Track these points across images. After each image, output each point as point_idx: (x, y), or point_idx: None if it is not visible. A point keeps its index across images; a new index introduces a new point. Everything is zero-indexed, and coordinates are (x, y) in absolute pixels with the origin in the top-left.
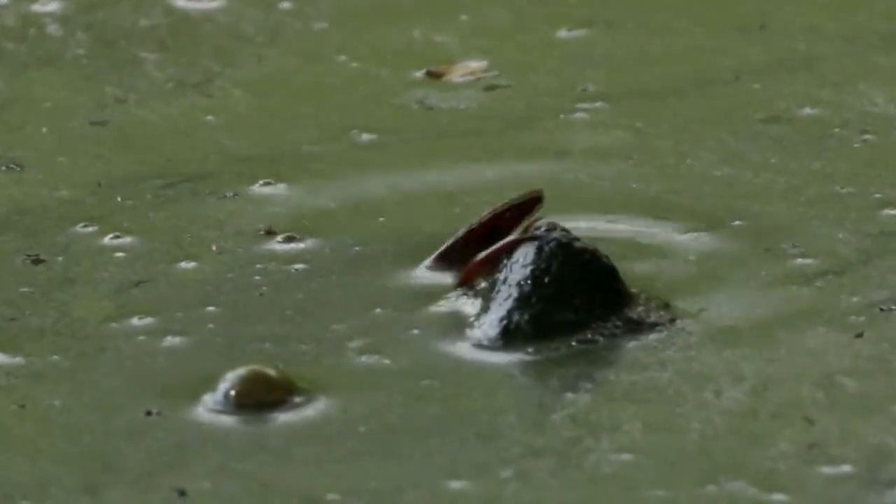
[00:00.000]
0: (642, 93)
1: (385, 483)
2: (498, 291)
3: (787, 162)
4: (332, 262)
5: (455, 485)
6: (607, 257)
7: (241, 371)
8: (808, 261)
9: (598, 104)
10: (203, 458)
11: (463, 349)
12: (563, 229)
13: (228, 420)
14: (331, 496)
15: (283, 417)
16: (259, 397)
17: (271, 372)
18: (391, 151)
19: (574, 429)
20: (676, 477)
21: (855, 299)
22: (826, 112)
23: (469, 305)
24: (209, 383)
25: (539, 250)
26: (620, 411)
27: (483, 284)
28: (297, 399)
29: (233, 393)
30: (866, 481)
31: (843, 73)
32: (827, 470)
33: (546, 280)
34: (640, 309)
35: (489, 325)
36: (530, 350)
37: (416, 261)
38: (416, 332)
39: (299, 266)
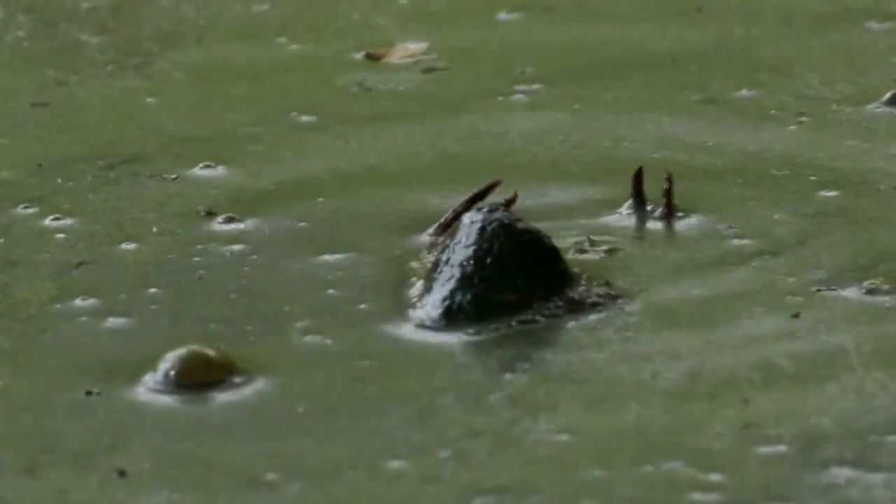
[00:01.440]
0: (580, 75)
1: (324, 463)
2: (440, 272)
3: (724, 143)
4: (273, 243)
5: (394, 464)
6: (549, 238)
7: (180, 351)
8: (745, 242)
9: (536, 86)
10: (143, 439)
11: (406, 330)
12: (506, 210)
13: (169, 400)
14: (270, 475)
15: (222, 397)
16: (199, 377)
17: (211, 352)
18: (330, 133)
19: (512, 409)
20: (613, 457)
21: (791, 280)
22: (762, 94)
23: (413, 286)
24: (150, 364)
25: (481, 231)
26: (558, 391)
27: (427, 264)
28: (237, 379)
29: (173, 373)
30: (802, 461)
31: (780, 56)
32: (763, 450)
33: (488, 261)
34: (582, 289)
35: (432, 306)
36: (471, 330)
37: (356, 241)
38: (358, 312)
39: (240, 247)
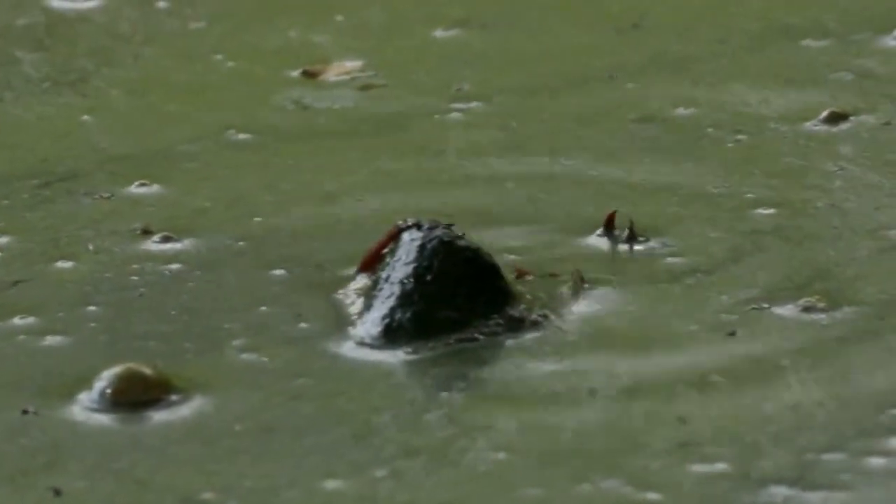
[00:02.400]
0: (517, 92)
1: (260, 482)
2: (380, 289)
3: (661, 161)
4: (210, 261)
5: (330, 484)
6: (489, 255)
7: (117, 369)
8: (682, 260)
9: (473, 104)
10: (79, 457)
11: (345, 347)
12: (446, 227)
13: (105, 419)
14: (206, 495)
15: (159, 416)
16: (135, 396)
17: (147, 370)
18: (267, 151)
19: (449, 428)
20: (551, 476)
21: (728, 298)
22: (699, 112)
23: (353, 303)
24: (87, 382)
25: (421, 248)
26: (495, 410)
27: (367, 281)
28: (174, 397)
29: (109, 391)
30: (739, 479)
31: (717, 74)
32: (700, 468)
33: (428, 278)
34: (523, 307)
35: (371, 324)
36: (409, 349)
37: (294, 259)
38: (297, 330)
39: (177, 265)
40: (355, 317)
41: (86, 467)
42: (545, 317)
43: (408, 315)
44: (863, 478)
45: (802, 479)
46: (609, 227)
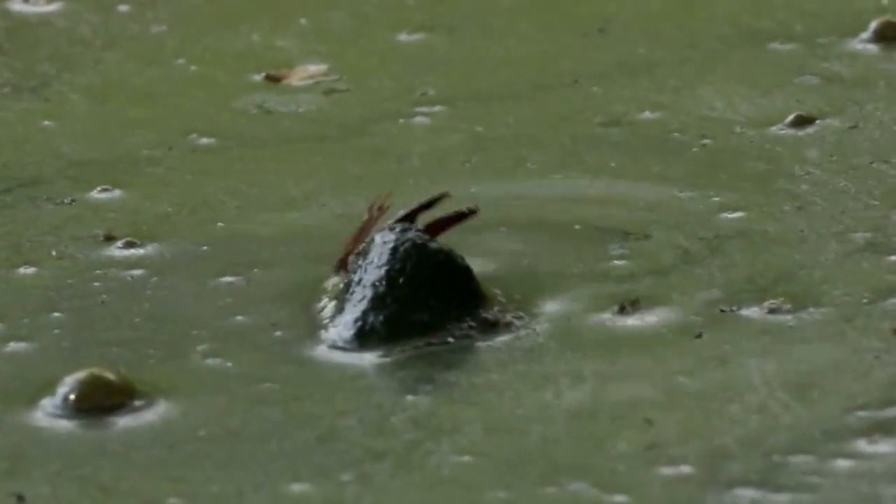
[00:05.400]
0: (482, 96)
1: (226, 487)
2: (353, 292)
3: (627, 166)
4: (174, 267)
5: (296, 488)
6: (462, 258)
7: (80, 375)
8: (647, 263)
9: (438, 108)
10: (42, 463)
11: (318, 351)
12: (418, 230)
13: (68, 424)
14: (171, 500)
15: (122, 421)
16: (98, 401)
17: (111, 376)
18: (230, 156)
19: (414, 431)
20: (517, 478)
21: (695, 301)
22: (665, 116)
23: (324, 307)
24: (51, 388)
25: (394, 251)
26: (461, 413)
27: (340, 284)
28: (138, 403)
29: (72, 397)
30: (705, 481)
31: (683, 78)
32: (666, 470)
33: (401, 281)
34: (496, 309)
35: (344, 327)
36: (382, 352)
37: (258, 264)
38: (265, 334)
39: (140, 271)
40: (327, 320)
41: (49, 473)
42: (520, 318)
43: (380, 318)
44: (829, 479)
45: (769, 481)
46: None
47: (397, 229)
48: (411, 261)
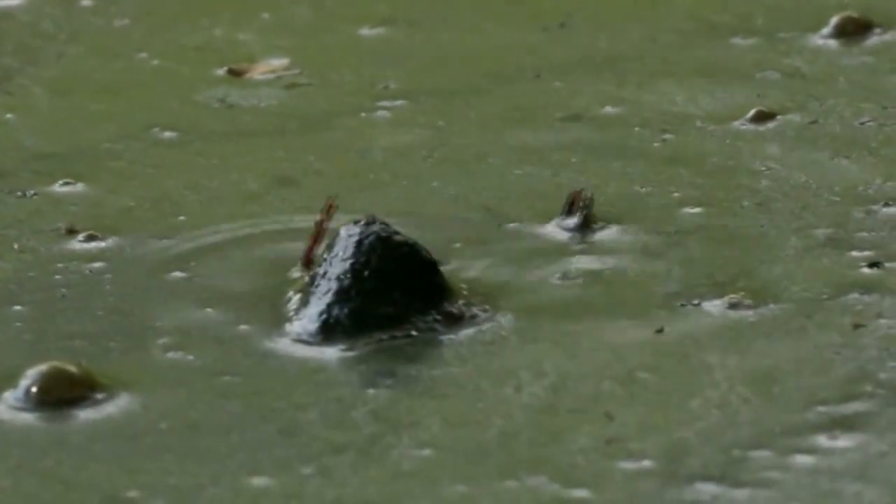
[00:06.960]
0: (443, 91)
1: (186, 480)
2: (318, 285)
3: (588, 161)
4: (135, 260)
5: (257, 481)
6: (427, 251)
7: (41, 367)
8: (608, 258)
9: (399, 102)
10: (3, 456)
11: (282, 344)
12: (383, 223)
13: (29, 417)
14: (131, 493)
15: (84, 414)
16: (60, 394)
17: (72, 368)
18: (192, 149)
19: (375, 424)
20: (477, 472)
21: (655, 295)
22: (626, 111)
23: (290, 300)
24: (12, 381)
25: (358, 244)
26: (421, 407)
27: (305, 277)
28: (99, 396)
29: (34, 390)
30: (666, 476)
31: (644, 72)
32: (626, 465)
33: (365, 274)
34: (461, 303)
35: (308, 320)
36: (344, 346)
37: (220, 258)
38: (227, 327)
39: (101, 264)
40: (292, 313)
41: (9, 466)
42: (485, 311)
43: (345, 311)
44: (790, 475)
45: (729, 475)
46: (572, 209)
47: (362, 222)
48: (376, 254)
